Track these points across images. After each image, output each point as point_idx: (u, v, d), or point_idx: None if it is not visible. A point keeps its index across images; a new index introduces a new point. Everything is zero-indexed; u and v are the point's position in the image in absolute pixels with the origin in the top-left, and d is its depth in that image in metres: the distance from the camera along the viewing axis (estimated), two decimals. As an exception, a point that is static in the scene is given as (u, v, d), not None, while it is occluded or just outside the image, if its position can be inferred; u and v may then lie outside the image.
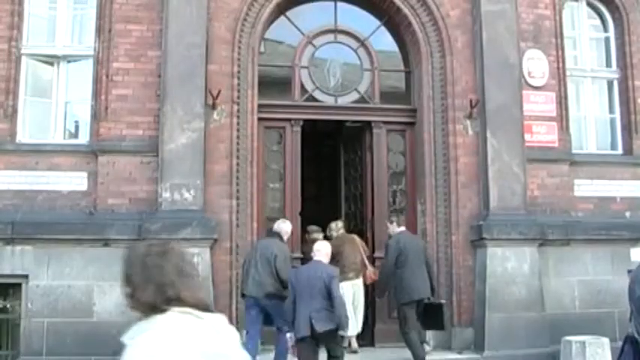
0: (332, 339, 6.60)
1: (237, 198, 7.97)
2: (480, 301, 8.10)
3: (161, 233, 7.43)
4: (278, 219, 8.27)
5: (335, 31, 8.99)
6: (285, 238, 7.31)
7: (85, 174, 7.85)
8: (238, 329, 7.30)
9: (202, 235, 7.57)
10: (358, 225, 8.95)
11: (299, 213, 8.54)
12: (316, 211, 8.92)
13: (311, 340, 6.44)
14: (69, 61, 8.34)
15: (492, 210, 8.24)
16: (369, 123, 8.99)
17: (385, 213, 8.51)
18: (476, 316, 8.15)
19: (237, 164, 8.01)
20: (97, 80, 8.07)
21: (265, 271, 6.91)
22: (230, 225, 7.86)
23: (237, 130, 8.07)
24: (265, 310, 6.99)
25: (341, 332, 6.72)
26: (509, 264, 8.11)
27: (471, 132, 8.56)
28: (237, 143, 8.05)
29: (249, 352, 6.46)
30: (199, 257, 7.44)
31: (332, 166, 11.15)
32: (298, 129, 8.72)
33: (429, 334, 8.19)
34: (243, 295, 7.17)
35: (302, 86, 8.83)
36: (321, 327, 6.30)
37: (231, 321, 6.79)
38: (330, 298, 6.26)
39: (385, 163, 8.94)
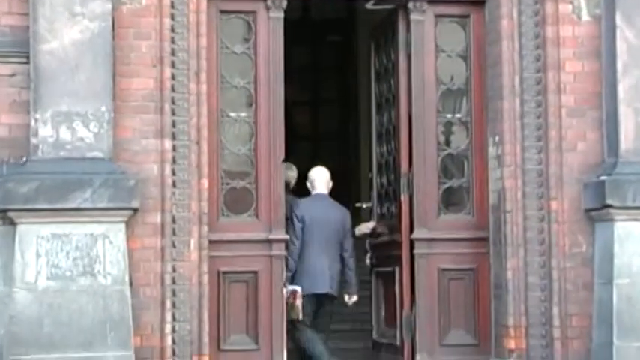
0: (329, 307, 7.06)
1: (174, 137, 6.70)
2: (603, 318, 6.75)
3: (37, 200, 6.18)
4: (248, 173, 7.51)
5: None
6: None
7: None
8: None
9: (112, 202, 6.38)
10: (392, 184, 7.74)
11: (282, 160, 7.35)
12: (312, 157, 7.84)
13: (315, 299, 6.91)
14: None
15: (624, 156, 6.82)
16: (404, 4, 7.33)
17: (433, 161, 7.14)
18: (595, 343, 6.83)
19: (173, 77, 6.70)
20: None
21: None
22: (161, 185, 6.61)
23: (172, 18, 6.74)
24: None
25: (349, 299, 7.14)
26: (655, 253, 6.66)
27: (586, 16, 7.07)
28: (172, 41, 6.73)
29: None
30: (107, 241, 6.38)
31: (342, 81, 10.75)
32: (279, 15, 7.18)
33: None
34: None
35: None
36: (332, 288, 6.90)
37: (163, 351, 6.72)
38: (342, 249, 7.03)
39: (433, 74, 7.38)
